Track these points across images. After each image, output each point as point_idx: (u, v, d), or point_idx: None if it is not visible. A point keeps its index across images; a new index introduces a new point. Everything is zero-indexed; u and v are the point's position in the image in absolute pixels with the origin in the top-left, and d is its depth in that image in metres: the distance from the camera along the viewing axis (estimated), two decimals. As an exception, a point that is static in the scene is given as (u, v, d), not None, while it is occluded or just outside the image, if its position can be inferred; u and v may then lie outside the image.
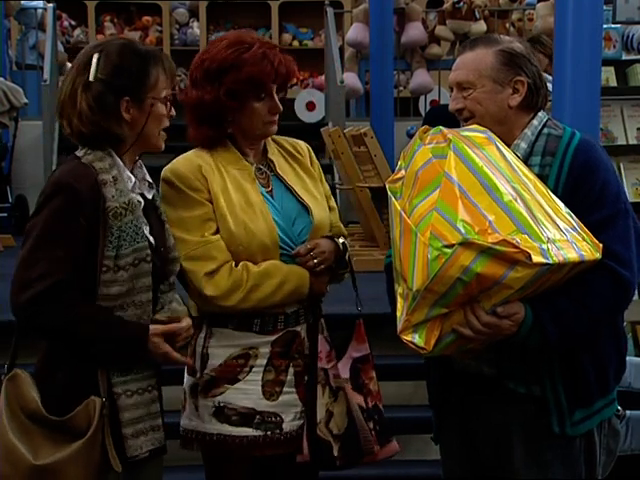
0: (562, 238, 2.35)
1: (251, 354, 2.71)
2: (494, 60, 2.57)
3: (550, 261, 2.30)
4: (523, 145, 2.58)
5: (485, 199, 2.33)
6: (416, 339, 2.38)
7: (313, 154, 2.93)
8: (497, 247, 2.27)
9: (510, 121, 2.59)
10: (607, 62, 5.33)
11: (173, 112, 2.59)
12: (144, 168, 2.64)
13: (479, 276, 2.29)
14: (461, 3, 9.00)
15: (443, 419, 2.73)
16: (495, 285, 2.32)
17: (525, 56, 2.60)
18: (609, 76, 5.58)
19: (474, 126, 2.54)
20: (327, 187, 2.92)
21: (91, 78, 2.49)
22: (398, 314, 2.41)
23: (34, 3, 9.62)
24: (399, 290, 2.43)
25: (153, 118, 2.54)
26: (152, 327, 2.50)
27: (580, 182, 2.52)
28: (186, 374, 2.80)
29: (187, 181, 2.69)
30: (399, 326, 2.40)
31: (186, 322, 2.56)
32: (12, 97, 7.80)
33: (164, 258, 2.59)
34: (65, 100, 2.54)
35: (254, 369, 2.71)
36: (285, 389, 2.73)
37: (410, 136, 8.84)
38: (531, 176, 2.46)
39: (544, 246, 2.30)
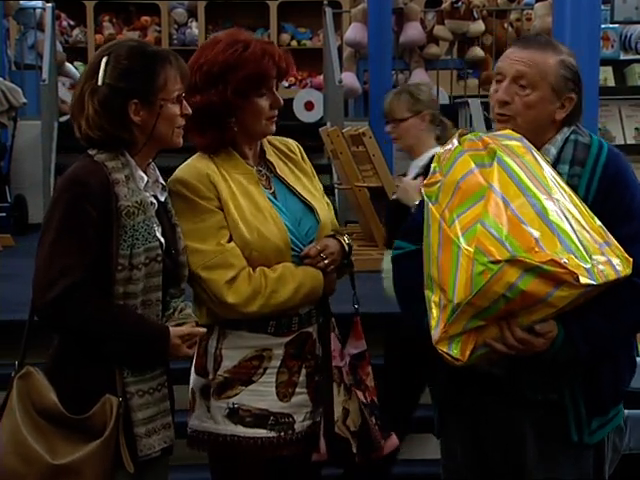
0: (601, 255, 2.33)
1: (265, 356, 2.71)
2: (558, 69, 2.52)
3: (595, 282, 2.29)
4: (553, 151, 2.55)
5: (529, 213, 2.31)
6: (452, 351, 2.36)
7: (303, 152, 2.93)
8: (545, 266, 2.25)
9: (547, 132, 2.56)
10: (605, 62, 5.34)
11: (188, 110, 2.57)
12: (157, 171, 2.64)
13: (524, 294, 2.27)
14: (459, 3, 9.01)
15: (450, 420, 2.71)
16: (538, 303, 2.31)
17: (579, 74, 2.57)
18: (607, 76, 5.59)
19: (508, 132, 2.50)
20: (320, 184, 2.92)
21: (99, 82, 2.49)
22: (432, 322, 2.39)
23: (33, 3, 9.62)
24: (433, 298, 2.40)
25: (163, 119, 2.53)
26: (172, 329, 2.52)
27: (609, 195, 2.50)
28: (193, 374, 2.79)
29: (197, 191, 2.68)
30: (435, 336, 2.38)
31: (203, 329, 2.60)
32: (11, 97, 7.80)
33: (175, 261, 2.60)
34: (75, 104, 2.55)
35: (268, 370, 2.71)
36: (297, 390, 2.72)
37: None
38: (566, 187, 2.43)
39: (588, 265, 2.28)
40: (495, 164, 2.38)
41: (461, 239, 2.33)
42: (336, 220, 2.92)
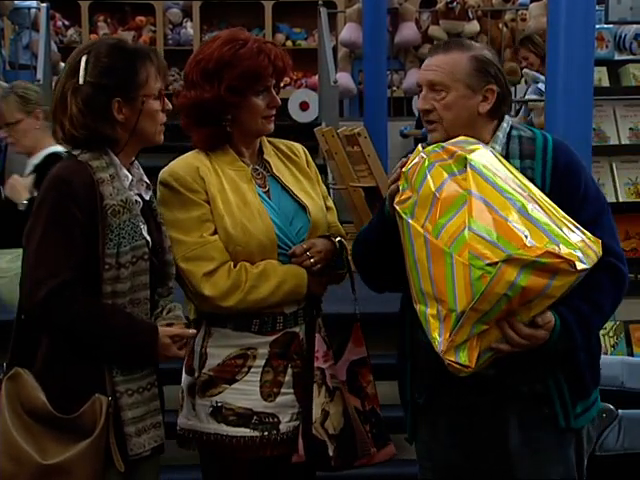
0: (580, 240, 2.38)
1: (249, 354, 2.71)
2: (468, 65, 2.59)
3: (588, 265, 2.34)
4: (497, 148, 2.60)
5: (512, 212, 2.34)
6: (460, 359, 2.38)
7: (309, 156, 2.93)
8: (542, 259, 2.28)
9: (477, 127, 2.61)
10: (599, 62, 5.35)
11: (169, 106, 2.59)
12: (141, 169, 2.65)
13: (524, 290, 2.31)
14: (454, 3, 9.01)
15: (425, 422, 2.73)
16: (537, 297, 2.35)
17: (496, 64, 2.63)
18: (601, 76, 5.59)
19: (463, 137, 2.54)
20: (324, 188, 2.93)
21: (80, 81, 2.49)
22: (434, 335, 2.39)
23: (27, 3, 9.61)
24: (429, 311, 2.41)
25: (145, 116, 2.54)
26: (162, 329, 2.53)
27: (564, 183, 2.56)
28: (184, 373, 2.80)
29: (185, 183, 2.69)
30: (440, 347, 2.38)
31: (193, 330, 2.62)
32: (5, 97, 7.78)
33: (162, 259, 2.60)
34: (56, 105, 2.55)
35: (252, 369, 2.71)
36: (283, 390, 2.72)
37: (403, 136, 8.85)
38: (526, 181, 2.47)
39: (578, 252, 2.33)
40: (468, 170, 2.41)
41: (451, 248, 2.34)
42: (339, 224, 2.93)
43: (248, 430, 2.69)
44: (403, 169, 2.54)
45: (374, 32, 8.29)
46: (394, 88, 9.60)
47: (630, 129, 5.36)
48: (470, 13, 9.19)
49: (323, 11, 9.00)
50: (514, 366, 2.52)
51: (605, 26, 5.53)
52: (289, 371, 2.73)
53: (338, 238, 2.81)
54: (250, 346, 2.71)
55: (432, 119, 2.61)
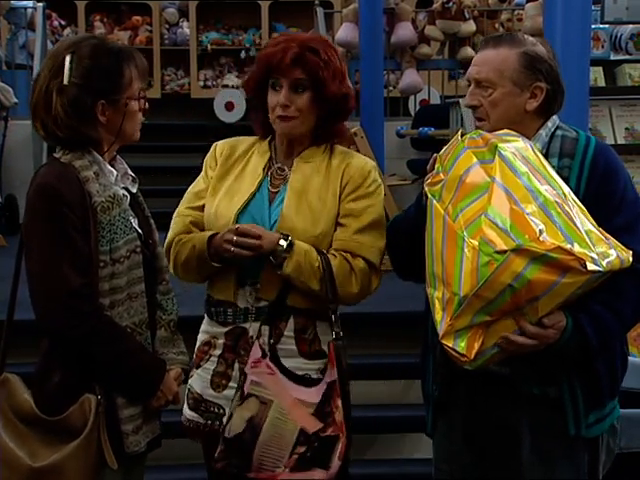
0: (606, 246, 2.35)
1: (212, 343, 2.77)
2: (516, 62, 2.55)
3: (601, 268, 2.30)
4: (538, 146, 2.56)
5: (532, 205, 2.32)
6: (458, 345, 2.35)
7: (369, 181, 2.73)
8: (552, 254, 2.26)
9: (524, 124, 2.57)
10: (595, 62, 5.36)
11: (146, 106, 2.59)
12: (125, 163, 2.65)
13: (530, 283, 2.28)
14: (450, 3, 9.01)
15: (443, 420, 2.71)
16: (545, 294, 2.32)
17: (547, 61, 2.57)
18: (597, 76, 5.61)
19: (506, 131, 2.52)
20: (355, 206, 2.70)
21: (65, 82, 2.46)
22: (437, 317, 2.38)
23: (24, 2, 9.60)
24: (436, 294, 2.40)
25: (128, 117, 2.53)
26: (174, 372, 2.62)
27: (603, 186, 2.52)
28: None
29: (213, 152, 2.82)
30: (440, 330, 2.37)
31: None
32: (2, 96, 7.80)
33: (153, 252, 2.61)
34: (38, 102, 2.51)
35: (211, 358, 2.77)
36: (231, 384, 2.73)
37: (400, 136, 8.85)
38: (562, 184, 2.45)
39: (593, 254, 2.30)
40: (497, 158, 2.39)
41: (465, 232, 2.33)
42: (353, 242, 2.70)
43: (197, 415, 2.77)
44: (439, 153, 2.53)
45: (370, 32, 8.28)
46: (390, 88, 9.60)
47: (626, 129, 5.38)
48: (466, 13, 9.18)
49: (319, 11, 9.00)
50: (528, 367, 2.50)
51: (601, 26, 5.55)
52: (236, 366, 2.73)
53: (287, 241, 2.63)
54: (214, 335, 2.77)
55: (479, 116, 2.58)
